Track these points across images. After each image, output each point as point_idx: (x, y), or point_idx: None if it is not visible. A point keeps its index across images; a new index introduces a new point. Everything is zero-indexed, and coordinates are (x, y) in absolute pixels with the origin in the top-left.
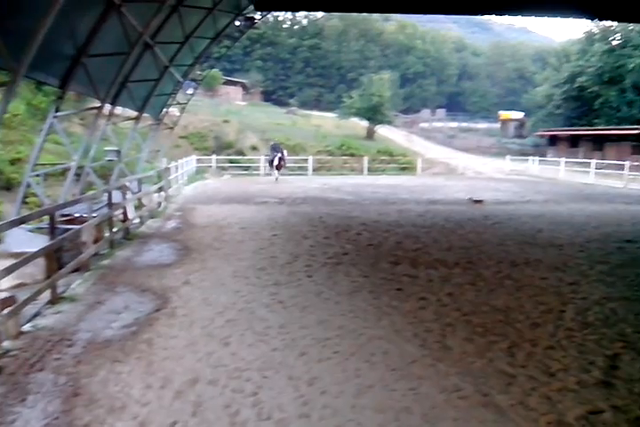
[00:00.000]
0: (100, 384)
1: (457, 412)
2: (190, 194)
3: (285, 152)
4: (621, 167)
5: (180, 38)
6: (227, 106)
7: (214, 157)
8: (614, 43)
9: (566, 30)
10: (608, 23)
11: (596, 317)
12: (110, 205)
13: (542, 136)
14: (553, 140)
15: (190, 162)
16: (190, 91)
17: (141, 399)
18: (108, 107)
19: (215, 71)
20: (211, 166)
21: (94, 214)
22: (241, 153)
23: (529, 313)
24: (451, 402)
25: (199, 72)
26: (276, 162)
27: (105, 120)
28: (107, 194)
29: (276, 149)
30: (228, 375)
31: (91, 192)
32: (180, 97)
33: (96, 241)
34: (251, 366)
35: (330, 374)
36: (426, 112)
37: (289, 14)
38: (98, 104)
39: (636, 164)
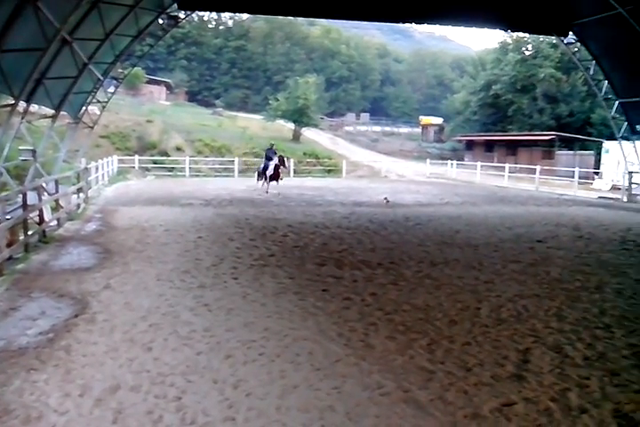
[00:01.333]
0: (15, 394)
1: (379, 409)
2: (112, 195)
3: (286, 158)
4: (533, 171)
5: (100, 35)
6: (150, 105)
7: (137, 157)
8: (526, 53)
9: (483, 40)
10: (521, 34)
11: (509, 313)
12: (25, 206)
13: (460, 141)
14: (470, 145)
15: (112, 162)
16: (111, 89)
17: (59, 408)
18: (22, 104)
19: (138, 70)
20: (133, 167)
21: (8, 217)
22: (165, 154)
23: (447, 311)
24: (373, 399)
25: (121, 70)
26: (270, 171)
27: (19, 118)
28: (21, 195)
29: (270, 154)
30: (151, 381)
31: (4, 193)
32: (100, 95)
33: (9, 245)
34: (174, 370)
35: (255, 376)
36: (351, 116)
37: (214, 14)
38: (11, 101)
39: (547, 168)
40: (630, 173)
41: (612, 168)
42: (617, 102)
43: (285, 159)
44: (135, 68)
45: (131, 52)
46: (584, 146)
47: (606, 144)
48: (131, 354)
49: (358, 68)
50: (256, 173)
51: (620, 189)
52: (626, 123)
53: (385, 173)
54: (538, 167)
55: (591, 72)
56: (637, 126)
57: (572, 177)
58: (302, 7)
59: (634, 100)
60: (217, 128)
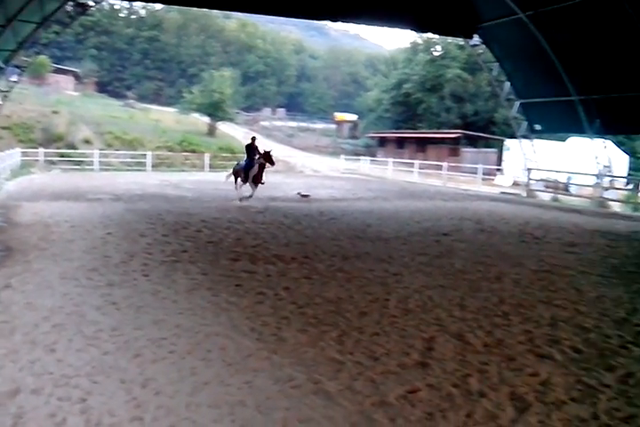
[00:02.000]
0: None
1: (289, 401)
2: (14, 190)
3: (272, 153)
4: (440, 168)
5: (1, 21)
6: (56, 96)
7: (42, 150)
8: (435, 54)
9: (395, 40)
10: (430, 35)
11: (415, 304)
12: None
13: (373, 137)
14: (382, 142)
15: (14, 155)
16: (14, 78)
17: None
18: None
19: (43, 58)
20: (38, 160)
21: None
22: (72, 147)
23: (357, 303)
24: (284, 392)
25: (24, 58)
26: (254, 170)
27: None
28: None
29: (251, 150)
30: (54, 383)
31: None
32: (1, 84)
33: None
34: (79, 372)
35: (164, 375)
36: (267, 111)
37: (125, 3)
38: None
39: (453, 164)
40: (529, 169)
41: (512, 165)
42: (518, 103)
43: (272, 156)
44: (40, 57)
45: (35, 40)
46: (488, 144)
47: (507, 142)
48: (32, 356)
49: (274, 63)
50: (232, 174)
51: (520, 184)
52: (526, 122)
53: (300, 168)
54: (445, 164)
55: (494, 73)
56: (536, 126)
57: (477, 173)
58: (217, 0)
59: (533, 100)
60: (128, 120)
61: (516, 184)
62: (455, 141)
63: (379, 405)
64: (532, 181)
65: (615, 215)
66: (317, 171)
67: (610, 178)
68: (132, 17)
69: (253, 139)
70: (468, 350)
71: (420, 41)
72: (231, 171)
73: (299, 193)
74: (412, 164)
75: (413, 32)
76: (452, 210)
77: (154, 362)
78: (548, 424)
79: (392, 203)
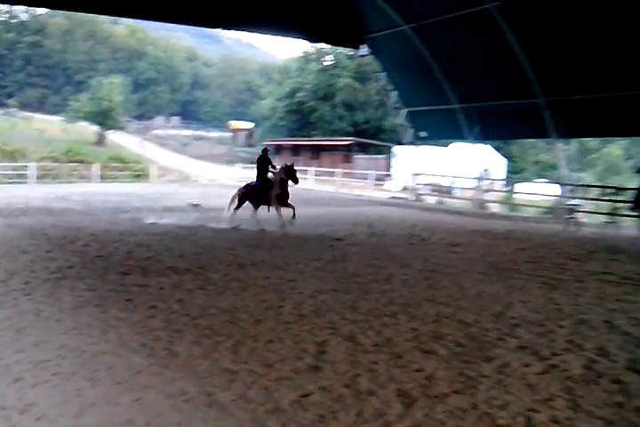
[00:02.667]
0: None
1: (181, 416)
2: None
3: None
4: (334, 174)
5: None
6: None
7: None
8: (327, 63)
9: (288, 49)
10: (322, 45)
11: (309, 309)
12: None
13: (269, 145)
14: (278, 149)
15: None
16: None
17: None
18: None
19: None
20: None
21: None
22: None
23: (252, 311)
24: (176, 407)
25: None
26: (276, 190)
27: None
28: None
29: (263, 164)
30: None
31: None
32: None
33: None
34: None
35: (47, 398)
36: (160, 119)
37: (5, 7)
38: None
39: (346, 171)
40: (416, 174)
41: (401, 170)
42: (404, 111)
43: (295, 171)
44: None
45: None
46: (378, 150)
47: (395, 149)
48: None
49: (167, 71)
50: (236, 196)
51: (408, 189)
52: (412, 129)
53: (196, 177)
54: (338, 170)
55: (382, 83)
56: (421, 132)
57: (368, 179)
58: (104, 5)
59: (418, 109)
60: (9, 130)
61: (404, 189)
62: (348, 148)
63: (272, 412)
64: (418, 186)
65: (493, 216)
66: (213, 180)
67: (489, 181)
68: (13, 21)
69: (265, 151)
70: (358, 351)
71: (312, 50)
72: (235, 193)
73: (190, 203)
74: (307, 171)
75: (305, 41)
76: (345, 215)
77: (35, 386)
78: (432, 417)
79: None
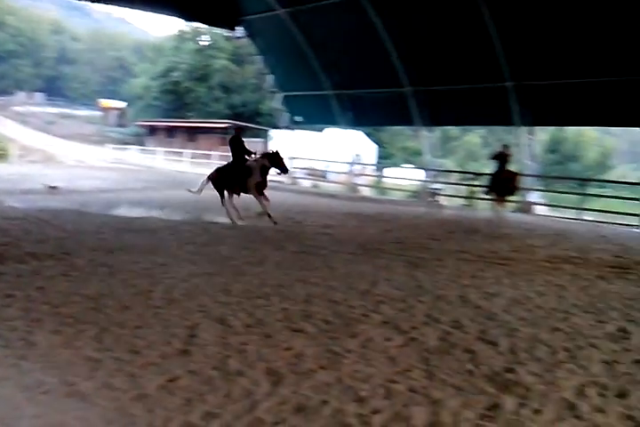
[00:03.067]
0: None
1: (39, 408)
2: None
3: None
4: (211, 157)
5: None
6: None
7: None
8: (203, 43)
9: (163, 26)
10: (198, 24)
11: (180, 293)
12: None
13: (142, 126)
14: (152, 131)
15: None
16: None
17: None
18: None
19: None
20: None
21: None
22: None
23: (120, 297)
24: (33, 399)
25: None
26: (256, 178)
27: None
28: None
29: (238, 144)
30: None
31: None
32: None
33: None
34: None
35: None
36: (21, 95)
37: None
38: None
39: (224, 154)
40: (292, 158)
41: None
42: (280, 95)
43: (282, 158)
44: None
45: None
46: (255, 134)
47: (272, 132)
48: None
49: (29, 43)
50: (208, 181)
51: None
52: (288, 114)
53: (61, 158)
54: (215, 153)
55: (258, 66)
56: (297, 117)
57: None
58: None
59: (293, 93)
60: None
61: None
62: (225, 131)
63: (137, 398)
64: (294, 170)
65: (364, 199)
66: (81, 161)
67: (361, 166)
68: None
69: (238, 130)
70: (229, 333)
71: (187, 29)
72: (204, 180)
73: (47, 185)
74: (183, 153)
75: (180, 20)
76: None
77: None
78: (299, 393)
79: (162, 193)
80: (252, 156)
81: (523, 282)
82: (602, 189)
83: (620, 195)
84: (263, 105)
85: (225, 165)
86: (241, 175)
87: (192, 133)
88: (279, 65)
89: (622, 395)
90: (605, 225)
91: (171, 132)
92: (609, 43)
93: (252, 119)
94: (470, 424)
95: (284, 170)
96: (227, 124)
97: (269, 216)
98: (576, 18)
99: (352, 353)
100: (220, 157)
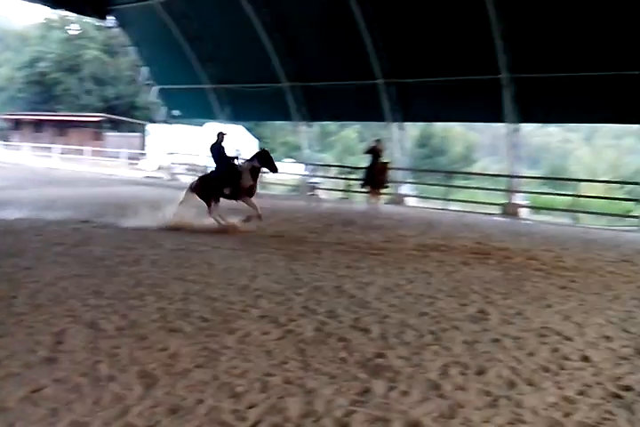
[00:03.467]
0: None
1: None
2: None
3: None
4: (83, 152)
5: None
6: None
7: None
8: (72, 32)
9: (27, 14)
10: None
11: (47, 297)
12: None
13: (6, 120)
14: (17, 124)
15: None
16: None
17: None
18: None
19: None
20: None
21: None
22: None
23: None
24: None
25: None
26: (247, 182)
27: None
28: None
29: (222, 151)
30: None
31: None
32: None
33: None
34: None
35: None
36: None
37: None
38: None
39: (97, 149)
40: (170, 153)
41: (156, 149)
42: (156, 88)
43: (270, 156)
44: None
45: None
46: (132, 128)
47: (149, 127)
48: None
49: None
50: (190, 196)
51: (164, 168)
52: (165, 108)
53: None
54: (88, 148)
55: (132, 57)
56: (174, 111)
57: (121, 158)
58: None
59: (170, 87)
60: None
61: (159, 168)
62: (98, 125)
63: None
64: (173, 165)
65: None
66: None
67: (241, 161)
68: None
69: (221, 135)
70: (100, 337)
71: (55, 17)
72: (187, 191)
73: None
74: (52, 148)
75: (46, 7)
76: (95, 196)
77: None
78: (174, 394)
79: (28, 191)
80: (236, 161)
81: (394, 270)
82: (466, 181)
83: (482, 186)
84: (139, 98)
85: (211, 173)
86: (231, 180)
87: (62, 128)
88: (154, 57)
89: (481, 372)
90: (469, 214)
91: (38, 126)
92: (469, 45)
93: (127, 113)
94: (342, 411)
95: (274, 169)
96: (100, 118)
97: (260, 218)
98: (446, 19)
99: (229, 350)
100: (92, 152)
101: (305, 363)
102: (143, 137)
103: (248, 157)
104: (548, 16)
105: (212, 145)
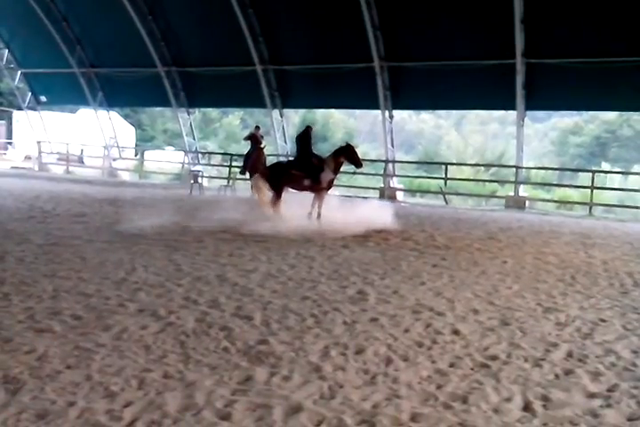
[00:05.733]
0: None
1: None
2: None
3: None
4: None
5: None
6: None
7: None
8: None
9: None
10: None
11: None
12: None
13: None
14: None
15: None
16: None
17: None
18: None
19: None
20: None
21: None
22: None
23: None
24: None
25: None
26: (328, 175)
27: None
28: None
29: (307, 141)
30: None
31: None
32: None
33: None
34: None
35: None
36: None
37: None
38: None
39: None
40: (39, 142)
41: (24, 138)
42: (19, 72)
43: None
44: None
45: None
46: None
47: (16, 114)
48: None
49: None
50: (261, 183)
51: (32, 158)
52: (30, 93)
53: None
54: None
55: None
56: (41, 97)
57: None
58: None
59: (35, 71)
60: None
61: (28, 158)
62: None
63: None
64: (43, 154)
65: (124, 184)
66: None
67: (118, 149)
68: None
69: (309, 128)
70: None
71: None
72: (257, 178)
73: None
74: None
75: None
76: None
77: None
78: (41, 398)
79: None
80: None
81: (277, 257)
82: (347, 167)
83: (362, 171)
84: (2, 83)
85: (289, 162)
86: (313, 172)
87: None
88: (16, 39)
89: (360, 351)
90: (350, 198)
91: None
92: (344, 33)
93: None
94: (224, 401)
95: (358, 164)
96: None
97: (319, 216)
98: (322, 7)
99: (104, 347)
100: None
101: (185, 355)
102: (9, 125)
103: (332, 151)
104: (423, 3)
105: (298, 135)
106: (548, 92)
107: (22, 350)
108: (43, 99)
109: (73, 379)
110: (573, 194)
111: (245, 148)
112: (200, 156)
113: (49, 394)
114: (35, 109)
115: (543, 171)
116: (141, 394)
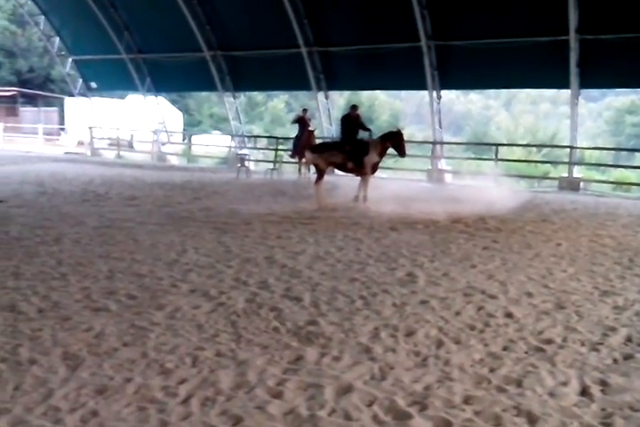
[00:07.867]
0: None
1: None
2: None
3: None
4: None
5: None
6: None
7: None
8: None
9: None
10: None
11: None
12: None
13: None
14: None
15: None
16: None
17: None
18: None
19: None
20: None
21: None
22: None
23: None
24: None
25: None
26: (373, 159)
27: None
28: None
29: (353, 123)
30: None
31: None
32: None
33: None
34: None
35: None
36: None
37: None
38: None
39: (12, 125)
40: (91, 128)
41: (76, 124)
42: (70, 59)
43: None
44: None
45: None
46: (48, 102)
47: (67, 100)
48: None
49: None
50: (310, 160)
51: (85, 143)
52: (81, 80)
53: None
54: (1, 124)
55: (42, 27)
56: (92, 83)
57: (38, 134)
58: None
59: (85, 57)
60: None
61: (80, 144)
62: (12, 100)
63: None
64: (95, 140)
65: (172, 168)
66: None
67: (166, 133)
68: None
69: (355, 107)
70: (20, 320)
71: None
72: (308, 155)
73: None
74: None
75: None
76: (10, 174)
77: None
78: (100, 374)
79: None
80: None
81: (325, 239)
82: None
83: (409, 153)
84: (54, 70)
85: (334, 143)
86: (357, 155)
87: None
88: (66, 26)
89: (410, 333)
90: (396, 181)
91: None
92: (390, 12)
93: (43, 86)
94: (275, 379)
95: (402, 153)
96: (13, 93)
97: (365, 199)
98: None
99: (158, 326)
100: (6, 128)
101: (237, 335)
102: (61, 111)
103: (380, 134)
104: None
105: (344, 116)
106: (604, 70)
107: (80, 328)
108: (93, 85)
109: (129, 356)
110: (630, 175)
111: (291, 131)
112: (246, 139)
113: (107, 371)
114: (85, 96)
115: (598, 151)
116: (195, 372)
